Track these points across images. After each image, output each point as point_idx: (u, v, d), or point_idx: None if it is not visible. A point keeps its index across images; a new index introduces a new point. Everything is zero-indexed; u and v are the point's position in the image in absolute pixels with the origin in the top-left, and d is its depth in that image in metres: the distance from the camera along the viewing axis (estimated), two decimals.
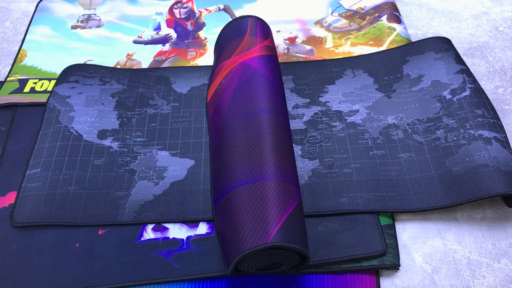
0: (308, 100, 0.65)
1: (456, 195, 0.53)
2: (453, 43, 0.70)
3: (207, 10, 0.83)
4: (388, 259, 0.50)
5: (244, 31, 0.63)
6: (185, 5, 0.84)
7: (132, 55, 0.75)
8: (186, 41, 0.78)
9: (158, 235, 0.53)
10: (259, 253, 0.43)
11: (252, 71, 0.57)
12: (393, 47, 0.72)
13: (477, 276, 0.50)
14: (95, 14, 0.83)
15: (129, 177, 0.58)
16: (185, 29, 0.80)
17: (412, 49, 0.70)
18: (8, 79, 0.71)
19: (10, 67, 0.74)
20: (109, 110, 0.64)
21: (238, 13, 0.82)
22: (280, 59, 0.73)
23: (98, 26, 0.81)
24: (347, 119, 0.63)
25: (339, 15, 0.80)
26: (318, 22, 0.79)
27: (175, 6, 0.84)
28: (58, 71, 0.72)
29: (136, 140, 0.61)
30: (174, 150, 0.60)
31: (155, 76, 0.70)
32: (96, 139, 0.61)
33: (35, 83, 0.70)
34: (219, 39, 0.67)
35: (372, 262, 0.50)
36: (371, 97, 0.65)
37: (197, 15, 0.82)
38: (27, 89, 0.69)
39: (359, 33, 0.77)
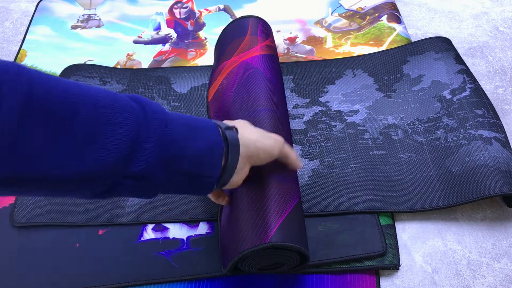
0: (308, 100, 0.65)
1: (456, 195, 0.53)
2: (453, 43, 0.69)
3: (207, 10, 0.83)
4: (388, 259, 0.50)
5: (245, 31, 0.63)
6: (185, 5, 0.84)
7: (132, 55, 0.75)
8: (186, 41, 0.78)
9: (158, 235, 0.53)
10: (258, 253, 0.43)
11: (253, 70, 0.57)
12: (393, 47, 0.72)
13: (477, 276, 0.50)
14: (95, 14, 0.83)
15: None
16: (185, 29, 0.80)
17: (412, 49, 0.70)
18: None
19: None
20: None
21: (238, 13, 0.82)
22: (280, 59, 0.73)
23: (98, 26, 0.81)
24: (347, 119, 0.62)
25: (339, 15, 0.80)
26: (318, 22, 0.79)
27: (175, 6, 0.84)
28: (58, 71, 0.72)
29: None
30: None
31: (155, 76, 0.70)
32: None
33: None
34: (220, 39, 0.67)
35: (372, 262, 0.50)
36: (371, 97, 0.65)
37: (197, 15, 0.82)
38: None
39: (359, 33, 0.77)
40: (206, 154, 0.37)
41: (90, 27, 0.81)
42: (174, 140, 0.35)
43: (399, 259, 0.50)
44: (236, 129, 0.41)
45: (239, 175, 0.41)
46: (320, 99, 0.65)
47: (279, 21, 0.80)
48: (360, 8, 0.81)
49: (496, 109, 0.60)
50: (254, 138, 0.41)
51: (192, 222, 0.54)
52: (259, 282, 0.49)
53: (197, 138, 0.36)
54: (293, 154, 0.46)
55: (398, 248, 0.51)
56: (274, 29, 0.79)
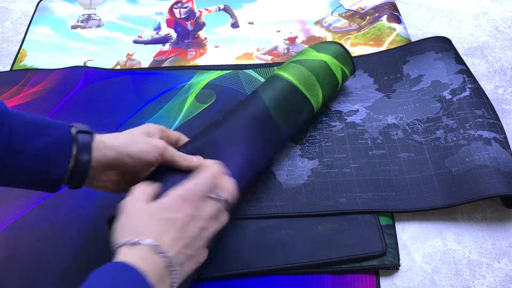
0: None
1: (456, 195, 0.53)
2: (453, 43, 0.70)
3: (207, 10, 0.83)
4: (388, 259, 0.50)
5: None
6: (185, 5, 0.84)
7: (132, 55, 0.75)
8: (186, 41, 0.78)
9: None
10: None
11: None
12: (393, 47, 0.72)
13: (477, 276, 0.50)
14: (95, 14, 0.83)
15: None
16: (185, 29, 0.80)
17: (412, 49, 0.70)
18: None
19: (10, 67, 0.74)
20: None
21: (238, 13, 0.82)
22: (280, 59, 0.73)
23: (98, 26, 0.81)
24: (346, 119, 0.62)
25: (339, 15, 0.80)
26: (318, 22, 0.79)
27: (175, 6, 0.84)
28: None
29: None
30: None
31: None
32: None
33: None
34: None
35: (372, 262, 0.50)
36: (371, 97, 0.65)
37: (197, 15, 0.82)
38: None
39: (359, 33, 0.77)
40: (51, 151, 0.37)
41: (90, 27, 0.81)
42: (10, 135, 0.35)
43: (399, 259, 0.50)
44: (92, 134, 0.40)
45: (101, 180, 0.41)
46: None
47: (279, 21, 0.80)
48: (360, 8, 0.81)
49: (496, 109, 0.60)
50: (117, 144, 0.41)
51: None
52: (259, 282, 0.49)
53: (41, 135, 0.37)
54: (180, 159, 0.44)
55: (398, 248, 0.51)
56: (274, 29, 0.79)
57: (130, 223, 0.37)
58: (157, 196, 0.40)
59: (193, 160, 0.44)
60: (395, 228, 0.53)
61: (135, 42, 0.78)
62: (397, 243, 0.51)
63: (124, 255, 0.34)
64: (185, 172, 0.44)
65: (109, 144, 0.40)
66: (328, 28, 0.78)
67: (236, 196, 0.44)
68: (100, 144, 0.40)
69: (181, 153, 0.44)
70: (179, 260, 0.36)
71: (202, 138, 0.50)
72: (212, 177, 0.42)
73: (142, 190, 0.40)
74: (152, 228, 0.36)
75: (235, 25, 0.80)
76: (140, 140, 0.42)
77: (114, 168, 0.41)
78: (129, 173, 0.43)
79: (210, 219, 0.40)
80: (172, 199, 0.39)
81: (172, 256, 0.35)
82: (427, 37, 0.71)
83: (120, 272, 0.32)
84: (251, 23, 0.80)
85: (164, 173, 0.44)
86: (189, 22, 0.81)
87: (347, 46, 0.74)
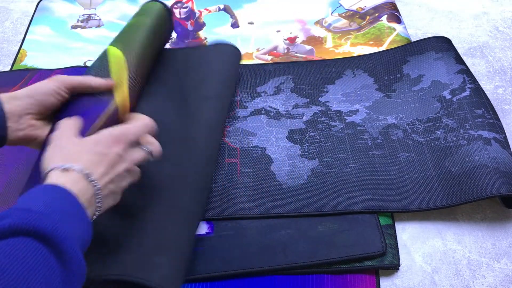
0: (308, 100, 0.65)
1: (456, 195, 0.53)
2: (453, 43, 0.70)
3: (207, 10, 0.83)
4: (388, 259, 0.50)
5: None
6: (185, 5, 0.84)
7: None
8: (186, 41, 0.78)
9: None
10: None
11: None
12: (393, 47, 0.72)
13: (477, 276, 0.50)
14: (95, 14, 0.83)
15: None
16: (185, 29, 0.80)
17: (412, 49, 0.70)
18: None
19: (10, 67, 0.74)
20: None
21: (238, 13, 0.82)
22: (280, 59, 0.73)
23: (98, 26, 0.81)
24: (346, 119, 0.62)
25: (339, 15, 0.80)
26: (318, 22, 0.79)
27: (175, 6, 0.84)
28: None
29: None
30: None
31: None
32: None
33: None
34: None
35: (372, 262, 0.50)
36: (371, 97, 0.65)
37: (197, 15, 0.82)
38: None
39: (359, 33, 0.77)
40: None
41: (90, 27, 0.81)
42: None
43: (399, 259, 0.50)
44: None
45: (23, 130, 0.44)
46: (320, 99, 0.65)
47: (279, 21, 0.80)
48: (360, 8, 0.81)
49: (496, 109, 0.60)
50: (18, 92, 0.44)
51: None
52: (259, 282, 0.49)
53: None
54: (87, 80, 0.47)
55: (398, 248, 0.51)
56: (274, 29, 0.79)
57: (62, 153, 0.38)
58: (80, 129, 0.43)
59: (101, 80, 0.48)
60: (395, 228, 0.53)
61: None
62: (397, 243, 0.51)
63: (56, 179, 0.36)
64: (97, 102, 0.47)
65: (13, 94, 0.44)
66: (328, 28, 0.78)
67: (159, 154, 0.46)
68: (5, 97, 0.43)
69: (83, 77, 0.47)
70: (104, 193, 0.38)
71: None
72: (145, 127, 0.44)
73: (70, 124, 0.42)
74: (84, 158, 0.38)
75: (235, 25, 0.80)
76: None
77: (28, 112, 0.44)
78: (45, 112, 0.45)
79: (135, 165, 0.42)
80: (106, 136, 0.41)
81: (100, 187, 0.38)
82: (427, 37, 0.71)
83: (51, 191, 0.34)
84: (251, 23, 0.80)
85: (77, 107, 0.46)
86: (189, 22, 0.81)
87: (347, 46, 0.74)
